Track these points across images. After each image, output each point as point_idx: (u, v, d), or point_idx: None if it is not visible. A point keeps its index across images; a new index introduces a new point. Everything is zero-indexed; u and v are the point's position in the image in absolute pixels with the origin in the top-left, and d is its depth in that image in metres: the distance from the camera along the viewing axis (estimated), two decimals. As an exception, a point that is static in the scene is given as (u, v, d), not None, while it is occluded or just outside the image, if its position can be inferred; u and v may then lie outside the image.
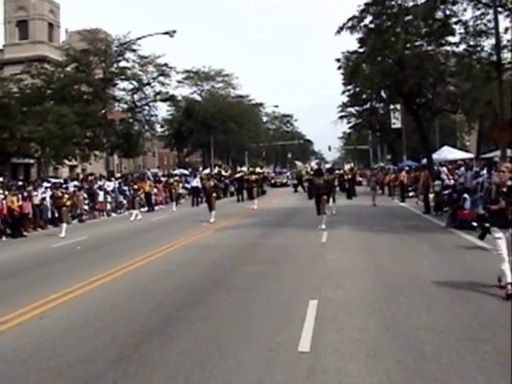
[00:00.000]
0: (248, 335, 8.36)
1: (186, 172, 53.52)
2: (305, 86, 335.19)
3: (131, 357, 7.54)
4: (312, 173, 33.63)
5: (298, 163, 65.52)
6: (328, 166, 43.30)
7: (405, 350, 7.41)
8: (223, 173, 37.18)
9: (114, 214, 36.04)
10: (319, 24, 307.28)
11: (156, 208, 39.52)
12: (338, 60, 51.38)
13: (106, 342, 8.27)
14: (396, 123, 56.51)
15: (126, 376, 6.89)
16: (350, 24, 34.20)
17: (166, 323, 9.19)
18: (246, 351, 7.61)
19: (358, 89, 57.76)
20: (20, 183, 29.48)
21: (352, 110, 68.87)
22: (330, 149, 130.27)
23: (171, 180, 42.56)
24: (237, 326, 8.91)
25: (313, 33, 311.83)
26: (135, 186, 35.32)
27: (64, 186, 27.38)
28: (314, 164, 51.12)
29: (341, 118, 70.33)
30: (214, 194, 28.43)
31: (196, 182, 40.45)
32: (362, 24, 34.13)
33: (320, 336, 8.11)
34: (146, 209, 36.82)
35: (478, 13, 27.67)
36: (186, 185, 42.16)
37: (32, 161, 59.25)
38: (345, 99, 65.53)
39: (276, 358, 7.33)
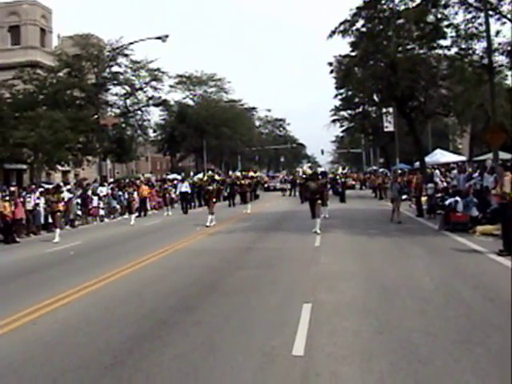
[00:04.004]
0: (242, 339, 8.35)
1: (178, 177, 53.39)
2: (297, 90, 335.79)
3: (125, 362, 7.53)
4: (305, 177, 33.60)
5: (298, 169, 65.57)
6: (321, 169, 43.33)
7: (399, 353, 7.42)
8: (216, 177, 36.90)
9: (106, 220, 35.94)
10: (311, 28, 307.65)
11: (149, 213, 39.42)
12: (331, 64, 51.39)
13: (100, 347, 8.25)
14: (389, 126, 56.57)
15: (120, 382, 6.88)
16: (341, 28, 34.33)
17: (160, 328, 9.17)
18: (240, 355, 7.60)
19: (350, 92, 57.97)
20: (12, 189, 29.39)
21: (344, 113, 69.21)
22: (322, 152, 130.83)
23: (165, 185, 42.42)
24: (231, 330, 8.91)
25: (305, 37, 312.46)
26: (130, 190, 35.22)
27: (58, 190, 27.21)
28: (306, 168, 51.05)
29: (333, 121, 70.62)
30: (215, 199, 28.50)
31: (185, 187, 40.03)
32: (354, 28, 34.26)
33: (314, 339, 8.12)
34: (137, 214, 36.68)
35: (469, 16, 27.74)
36: (174, 190, 41.71)
37: (25, 166, 59.15)
38: (337, 103, 65.81)
39: (270, 362, 7.33)
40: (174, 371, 7.13)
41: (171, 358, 7.65)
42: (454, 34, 28.81)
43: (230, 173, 64.19)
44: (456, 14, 28.22)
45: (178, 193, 40.44)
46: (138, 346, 8.25)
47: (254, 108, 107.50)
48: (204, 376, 6.95)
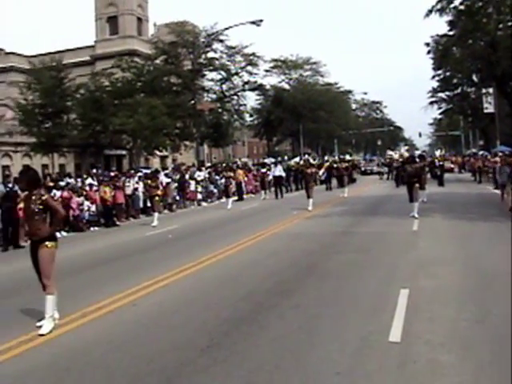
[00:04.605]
0: (339, 324, 8.29)
1: (266, 161, 53.27)
2: (394, 72, 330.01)
3: (221, 344, 7.59)
4: (402, 160, 33.06)
5: (390, 152, 64.55)
6: (418, 152, 42.49)
7: (499, 342, 7.19)
8: (311, 161, 36.64)
9: (204, 204, 36.39)
10: (408, 7, 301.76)
11: (246, 197, 39.63)
12: (428, 44, 50.46)
13: (197, 329, 8.36)
14: (489, 108, 54.89)
15: (216, 363, 6.93)
16: (439, 6, 33.51)
17: (257, 311, 9.20)
18: (337, 340, 7.54)
19: (448, 73, 56.64)
20: (112, 174, 30.08)
21: (442, 95, 67.59)
22: (420, 135, 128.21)
23: (263, 169, 42.44)
24: (328, 314, 8.84)
25: (401, 16, 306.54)
26: (227, 174, 35.51)
27: (156, 175, 27.75)
28: (403, 151, 50.17)
29: (431, 103, 69.16)
30: (312, 182, 28.37)
31: (278, 171, 39.55)
32: (452, 6, 33.36)
33: (411, 326, 7.97)
34: (236, 198, 36.94)
35: None
36: (269, 173, 41.29)
37: (124, 152, 60.65)
38: (435, 84, 64.41)
39: (367, 347, 7.26)
40: (270, 354, 7.14)
41: (267, 341, 7.67)
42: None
43: (326, 157, 63.92)
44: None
45: (271, 177, 40.11)
46: (235, 328, 8.30)
47: (350, 91, 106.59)
48: (300, 360, 6.92)
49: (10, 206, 20.16)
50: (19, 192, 20.05)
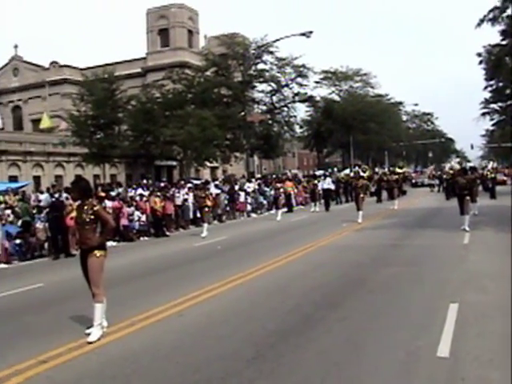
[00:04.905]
0: (386, 338, 8.20)
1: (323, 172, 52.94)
2: (445, 83, 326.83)
3: (267, 356, 7.57)
4: (452, 172, 32.69)
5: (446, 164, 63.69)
6: (470, 164, 41.89)
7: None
8: (361, 173, 36.41)
9: (254, 215, 36.45)
10: (458, 17, 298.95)
11: (295, 209, 39.57)
12: (479, 54, 49.80)
13: (243, 340, 8.36)
14: (542, 119, 53.91)
15: (262, 375, 6.90)
16: (491, 15, 33.05)
17: (304, 323, 9.17)
18: (384, 354, 7.46)
19: (501, 84, 55.83)
20: (162, 184, 30.33)
21: (495, 106, 66.62)
22: (472, 147, 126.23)
23: (314, 181, 42.33)
24: (375, 328, 8.78)
25: (451, 27, 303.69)
26: (277, 185, 35.54)
27: (206, 187, 27.95)
28: (454, 163, 49.60)
29: (483, 114, 68.21)
30: (362, 195, 28.19)
31: (327, 184, 39.40)
32: (505, 15, 32.85)
33: (460, 341, 7.83)
34: (286, 209, 36.91)
35: None
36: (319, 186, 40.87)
37: (174, 163, 61.11)
38: (487, 95, 63.57)
39: (414, 362, 7.15)
40: (317, 367, 7.09)
41: (314, 354, 7.62)
42: None
43: (377, 169, 63.52)
44: None
45: (320, 189, 39.72)
46: (282, 340, 8.27)
47: (400, 102, 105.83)
48: (347, 374, 6.86)
49: (57, 216, 20.47)
50: (65, 202, 20.56)
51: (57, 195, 21.51)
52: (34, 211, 23.05)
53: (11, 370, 7.45)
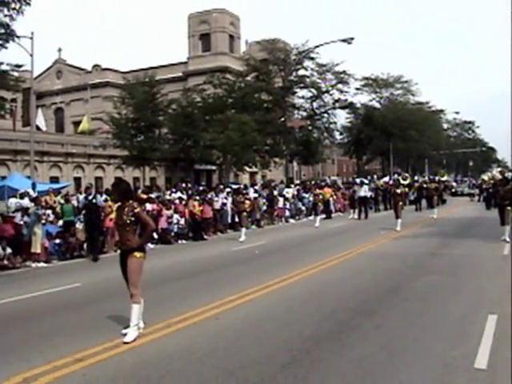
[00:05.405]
0: (423, 347, 8.12)
1: (365, 180, 52.42)
2: (487, 91, 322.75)
3: (302, 362, 7.55)
4: (493, 182, 32.29)
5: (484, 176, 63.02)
6: (512, 174, 41.25)
7: None
8: (401, 181, 36.08)
9: (292, 221, 36.39)
10: (502, 25, 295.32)
11: (334, 215, 39.41)
12: (524, 63, 49.20)
13: (278, 345, 8.34)
14: None
15: (296, 381, 6.89)
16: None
17: (339, 330, 9.13)
18: (420, 364, 7.40)
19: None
20: (201, 188, 30.46)
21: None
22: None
23: (354, 188, 41.90)
24: (411, 337, 8.70)
25: (494, 34, 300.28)
26: (316, 192, 35.40)
27: (245, 191, 28.03)
28: (495, 172, 48.93)
29: (525, 123, 67.30)
30: (401, 203, 27.96)
31: (363, 192, 38.21)
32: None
33: (498, 353, 7.73)
34: (324, 216, 36.75)
35: None
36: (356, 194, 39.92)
37: (214, 167, 61.39)
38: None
39: (450, 373, 7.07)
40: (351, 375, 7.05)
41: (349, 360, 7.59)
42: None
43: (416, 177, 63.02)
44: None
45: (356, 197, 39.03)
46: (317, 346, 8.25)
47: (441, 110, 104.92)
48: (381, 382, 6.83)
49: (92, 217, 20.76)
50: (101, 203, 20.85)
51: (91, 197, 21.74)
52: (76, 212, 23.34)
53: (49, 366, 7.58)
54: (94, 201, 21.34)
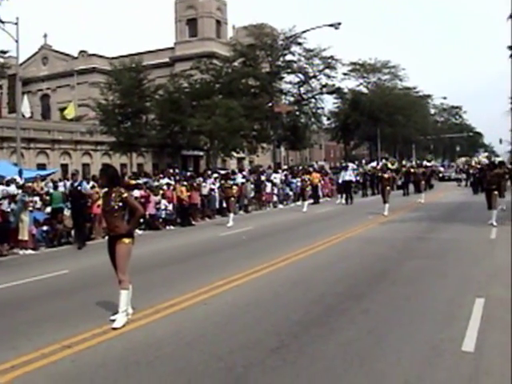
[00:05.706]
0: (410, 331, 8.19)
1: (353, 165, 52.32)
2: (474, 75, 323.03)
3: (290, 346, 7.59)
4: (480, 166, 32.42)
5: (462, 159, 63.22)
6: (498, 159, 41.40)
7: None
8: (389, 166, 36.13)
9: (280, 206, 36.44)
10: (488, 9, 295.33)
11: (321, 200, 39.44)
12: (511, 47, 49.21)
13: (267, 330, 8.37)
14: None
15: (285, 364, 6.93)
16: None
17: (327, 314, 9.17)
18: (407, 347, 7.45)
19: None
20: (189, 174, 30.40)
21: (525, 99, 65.86)
22: (500, 142, 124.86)
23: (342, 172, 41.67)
24: (399, 320, 8.76)
25: (481, 19, 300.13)
26: (303, 177, 35.35)
27: (232, 177, 27.99)
28: (481, 157, 49.11)
29: (513, 108, 67.48)
30: (389, 187, 28.01)
31: (348, 176, 37.65)
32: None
33: (486, 336, 7.79)
34: (312, 201, 36.77)
35: None
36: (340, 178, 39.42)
37: (201, 153, 61.33)
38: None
39: (438, 356, 7.13)
40: (339, 358, 7.09)
41: (337, 344, 7.64)
42: None
43: (404, 162, 63.16)
44: None
45: (340, 181, 38.85)
46: (305, 330, 8.30)
47: (428, 95, 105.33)
48: (369, 365, 6.86)
49: (77, 204, 20.78)
50: (86, 191, 20.76)
51: (76, 184, 21.63)
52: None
53: (37, 353, 7.57)
54: (79, 188, 21.23)
